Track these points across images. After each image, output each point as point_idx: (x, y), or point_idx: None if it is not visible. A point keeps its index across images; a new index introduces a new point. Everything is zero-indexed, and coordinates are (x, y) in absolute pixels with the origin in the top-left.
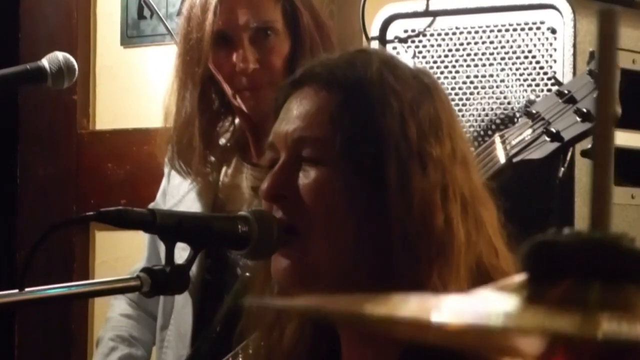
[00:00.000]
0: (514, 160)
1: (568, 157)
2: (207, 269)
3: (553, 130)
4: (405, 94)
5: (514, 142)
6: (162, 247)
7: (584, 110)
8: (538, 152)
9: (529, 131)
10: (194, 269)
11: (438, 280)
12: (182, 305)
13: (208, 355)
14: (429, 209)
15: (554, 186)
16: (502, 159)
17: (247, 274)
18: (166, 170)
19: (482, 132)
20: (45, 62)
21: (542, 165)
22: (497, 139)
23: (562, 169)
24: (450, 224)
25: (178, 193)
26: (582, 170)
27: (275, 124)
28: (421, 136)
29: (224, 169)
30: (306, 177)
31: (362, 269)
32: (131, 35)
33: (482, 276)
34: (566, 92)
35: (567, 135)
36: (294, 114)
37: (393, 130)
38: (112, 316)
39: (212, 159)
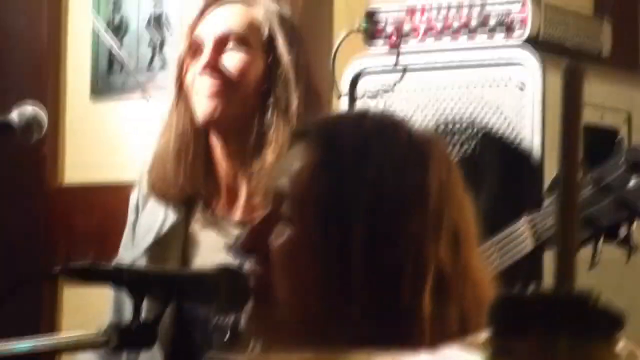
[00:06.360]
0: (546, 245)
1: (600, 244)
2: (177, 324)
3: (588, 217)
4: (388, 162)
5: (545, 228)
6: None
7: (621, 199)
8: None
9: None
10: (164, 323)
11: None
12: (149, 358)
13: None
14: (393, 284)
15: None
16: (532, 244)
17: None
18: (131, 218)
19: None
20: (14, 115)
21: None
22: (525, 222)
23: (597, 256)
24: (417, 301)
25: (142, 244)
26: None
27: None
28: (398, 209)
29: (191, 219)
30: (279, 234)
31: (326, 331)
32: (101, 89)
33: None
34: (600, 179)
35: (604, 223)
36: (285, 167)
37: (363, 199)
38: None
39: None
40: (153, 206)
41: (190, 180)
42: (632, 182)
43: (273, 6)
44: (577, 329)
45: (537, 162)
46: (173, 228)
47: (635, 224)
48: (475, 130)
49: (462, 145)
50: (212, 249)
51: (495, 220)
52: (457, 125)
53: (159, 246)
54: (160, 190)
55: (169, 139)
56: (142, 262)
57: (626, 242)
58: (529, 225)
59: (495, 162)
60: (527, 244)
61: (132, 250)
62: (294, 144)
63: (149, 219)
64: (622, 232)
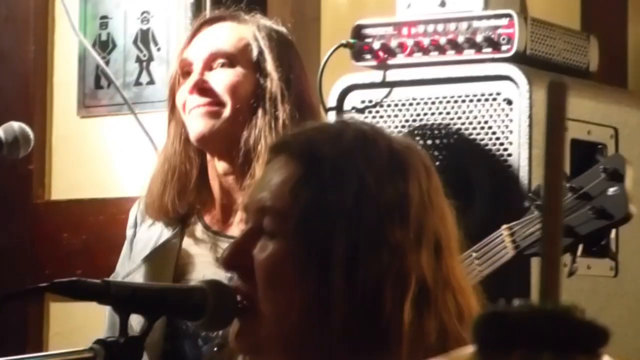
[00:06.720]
0: (525, 253)
1: (578, 253)
2: (167, 337)
3: (567, 225)
4: (369, 173)
5: (524, 236)
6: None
7: (599, 207)
8: None
9: (540, 225)
10: (154, 337)
11: None
12: None
13: None
14: (375, 296)
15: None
16: (511, 253)
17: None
18: (129, 233)
19: None
20: (0, 131)
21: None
22: (504, 231)
23: (575, 264)
24: (397, 313)
25: (138, 259)
26: None
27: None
28: (380, 219)
29: (186, 234)
30: (261, 249)
31: (308, 345)
32: (88, 105)
33: None
34: (579, 188)
35: (582, 231)
36: (265, 181)
37: (345, 211)
38: None
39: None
40: (150, 222)
41: (174, 201)
42: (610, 190)
43: (264, 23)
44: (561, 344)
45: (524, 177)
46: (168, 243)
47: (613, 233)
48: (462, 144)
49: (449, 159)
50: (206, 264)
51: (482, 235)
52: (445, 140)
53: (154, 261)
54: (148, 209)
55: (160, 159)
56: (136, 277)
57: (605, 250)
58: (508, 234)
59: (483, 176)
60: (506, 252)
61: (128, 265)
62: (273, 157)
63: (147, 235)
64: (601, 240)
